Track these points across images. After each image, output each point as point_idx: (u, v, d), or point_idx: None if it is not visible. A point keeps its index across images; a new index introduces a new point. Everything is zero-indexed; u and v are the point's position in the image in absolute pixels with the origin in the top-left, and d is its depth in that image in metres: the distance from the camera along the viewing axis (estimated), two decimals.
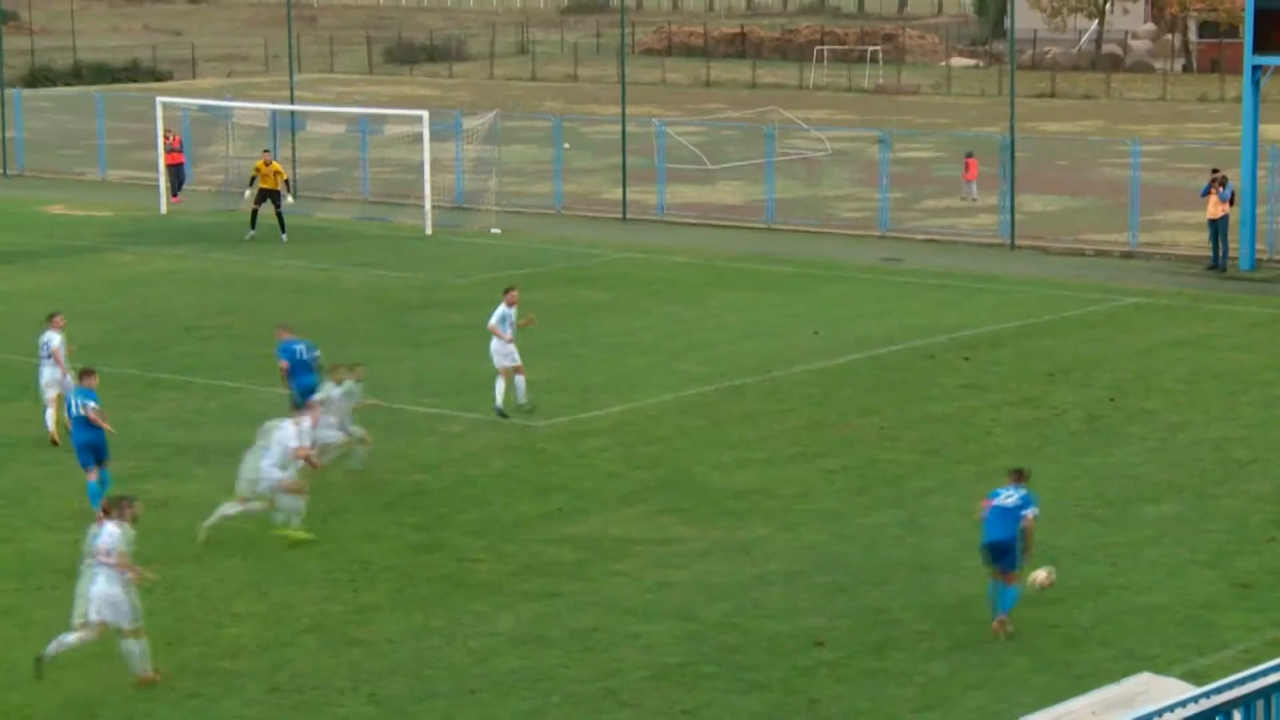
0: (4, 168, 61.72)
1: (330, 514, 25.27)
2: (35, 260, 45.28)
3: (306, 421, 24.68)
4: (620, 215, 52.28)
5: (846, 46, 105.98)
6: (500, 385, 30.39)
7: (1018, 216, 48.20)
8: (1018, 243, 47.35)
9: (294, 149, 57.19)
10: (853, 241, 48.70)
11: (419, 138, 50.70)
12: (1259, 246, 44.72)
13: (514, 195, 54.85)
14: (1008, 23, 64.71)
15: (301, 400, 26.96)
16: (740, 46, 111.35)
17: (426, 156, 49.76)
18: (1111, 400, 31.43)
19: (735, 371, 33.74)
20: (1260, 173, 45.26)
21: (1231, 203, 43.84)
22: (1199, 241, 45.75)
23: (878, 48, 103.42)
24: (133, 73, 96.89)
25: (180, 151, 55.93)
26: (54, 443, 28.49)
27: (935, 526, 24.95)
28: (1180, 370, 33.80)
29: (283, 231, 48.10)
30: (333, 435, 26.52)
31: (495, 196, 52.06)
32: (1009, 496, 21.00)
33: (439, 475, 27.19)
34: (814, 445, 28.98)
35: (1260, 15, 43.19)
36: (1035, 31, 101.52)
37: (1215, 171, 44.49)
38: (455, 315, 38.71)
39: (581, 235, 49.30)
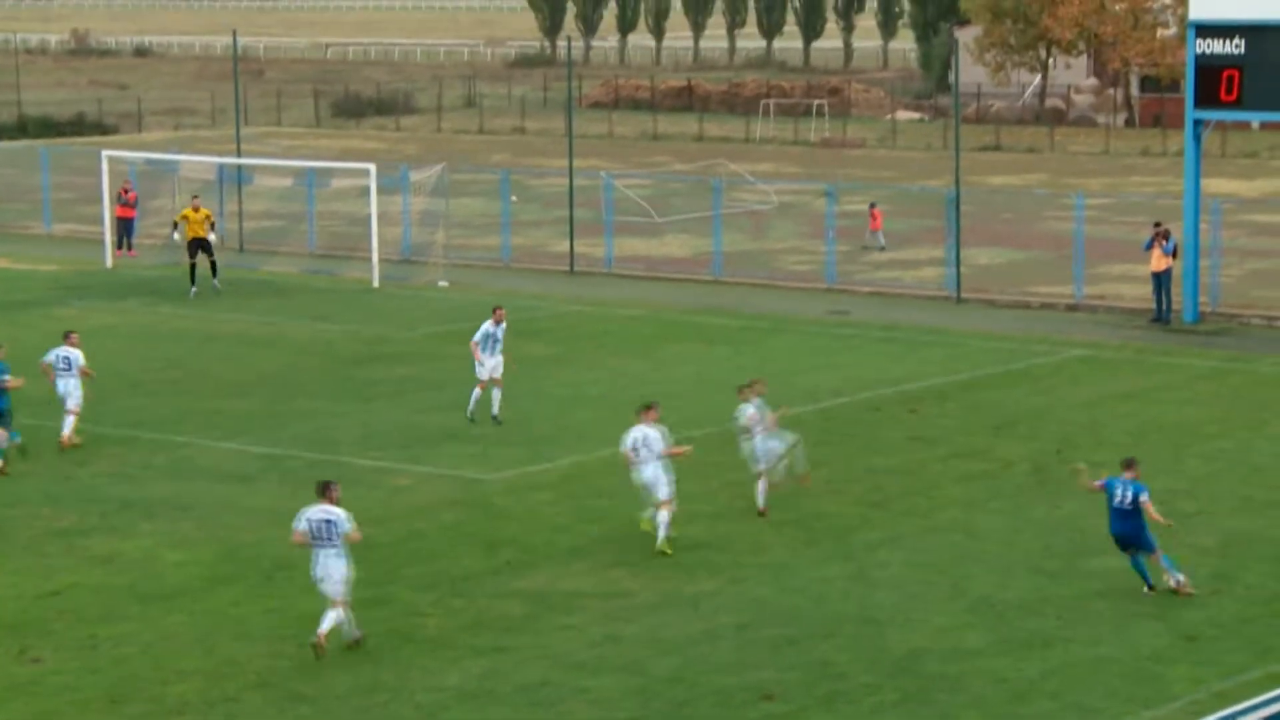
0: None
1: (275, 569, 25.15)
2: None
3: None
4: (568, 268, 52.33)
5: (792, 100, 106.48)
6: (476, 393, 32.71)
7: (964, 269, 48.42)
8: (964, 295, 47.57)
9: (240, 202, 57.07)
10: (800, 294, 48.84)
11: (366, 191, 50.67)
12: (1202, 299, 45.01)
13: (462, 248, 54.85)
14: (952, 77, 65.13)
15: None
16: (687, 100, 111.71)
17: (374, 210, 49.74)
18: (1058, 453, 31.54)
19: (683, 424, 33.66)
20: (1202, 226, 45.60)
21: (1175, 256, 44.15)
22: (1143, 294, 46.03)
23: (823, 101, 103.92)
24: (78, 126, 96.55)
25: (134, 206, 55.79)
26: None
27: (882, 579, 24.98)
28: (1126, 423, 33.96)
29: (214, 277, 47.87)
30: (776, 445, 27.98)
31: (443, 249, 52.04)
32: (1124, 496, 23.70)
33: (387, 529, 27.08)
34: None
35: (1201, 70, 43.60)
36: (979, 85, 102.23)
37: (1158, 225, 44.79)
38: (402, 368, 38.64)
39: (529, 288, 49.32)
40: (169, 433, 33.05)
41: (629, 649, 22.38)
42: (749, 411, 28.00)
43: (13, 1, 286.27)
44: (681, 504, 28.41)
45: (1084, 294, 46.94)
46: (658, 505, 26.16)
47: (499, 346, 33.23)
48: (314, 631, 22.04)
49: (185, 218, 48.71)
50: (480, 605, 23.95)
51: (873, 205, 56.31)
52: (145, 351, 40.49)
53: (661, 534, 26.12)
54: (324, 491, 22.50)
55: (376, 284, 49.46)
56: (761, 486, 28.08)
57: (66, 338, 33.07)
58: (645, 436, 26.10)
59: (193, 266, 47.85)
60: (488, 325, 32.95)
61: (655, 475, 26.07)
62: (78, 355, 32.42)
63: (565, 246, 53.18)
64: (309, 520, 22.34)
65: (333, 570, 22.19)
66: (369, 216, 50.13)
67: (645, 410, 26.52)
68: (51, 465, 30.77)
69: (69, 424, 32.10)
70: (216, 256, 48.40)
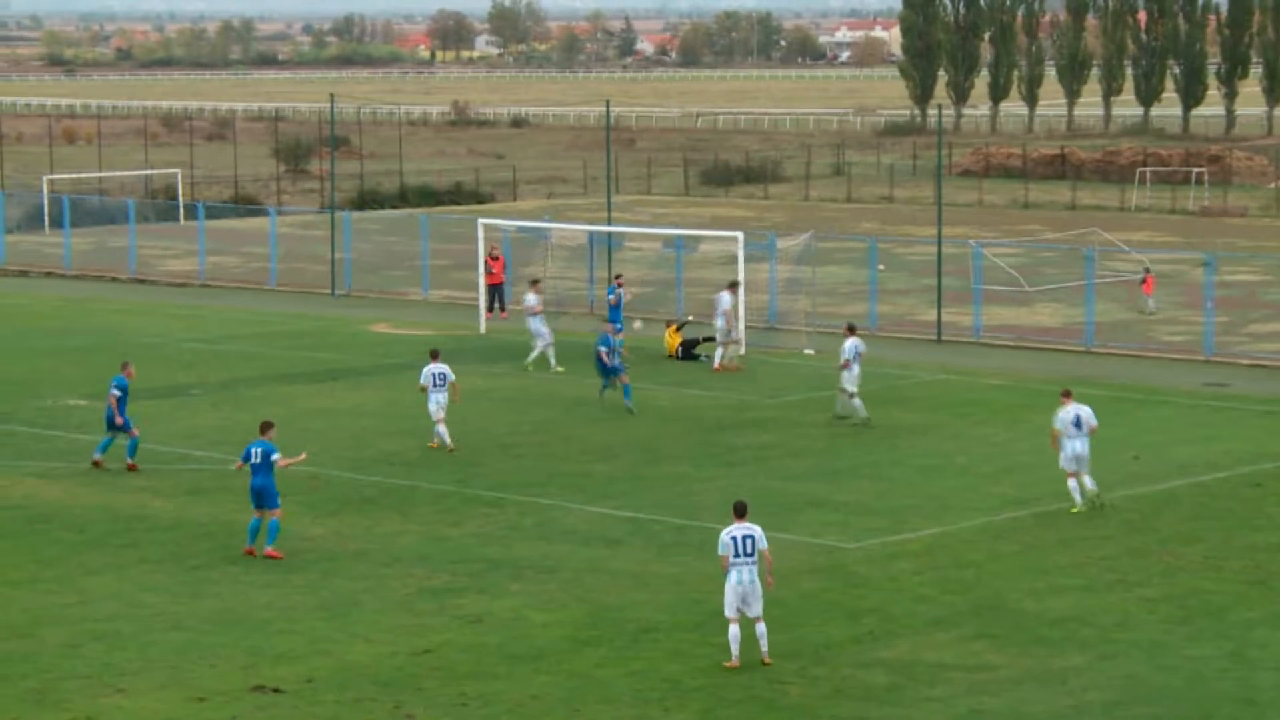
0: (332, 288, 63.62)
1: (641, 632, 25.30)
2: (358, 378, 46.46)
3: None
4: (935, 337, 51.87)
5: (1170, 168, 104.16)
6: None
7: None
8: None
9: (610, 267, 57.95)
10: (1175, 365, 47.61)
11: (734, 258, 51.00)
12: None
13: (827, 315, 54.81)
14: None
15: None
16: (1060, 168, 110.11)
17: (741, 276, 50.00)
18: None
19: (1051, 496, 33.07)
20: None
21: None
22: None
23: (1203, 169, 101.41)
24: (455, 195, 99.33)
25: (501, 271, 57.07)
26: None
27: (1262, 660, 24.05)
28: None
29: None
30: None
31: (807, 316, 52.04)
32: None
33: None
34: (1133, 573, 28.23)
35: None
36: None
37: None
38: (765, 435, 38.67)
39: (895, 356, 49.00)
40: (536, 495, 33.59)
41: None
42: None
43: (398, 75, 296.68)
44: (1047, 576, 27.87)
45: None
46: None
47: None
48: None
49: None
50: (842, 674, 23.74)
51: (1147, 270, 56.71)
52: (515, 415, 41.28)
53: None
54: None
55: (743, 350, 49.68)
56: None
57: (434, 356, 37.80)
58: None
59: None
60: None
61: None
62: (448, 371, 37.33)
63: (932, 315, 52.76)
64: (733, 537, 24.05)
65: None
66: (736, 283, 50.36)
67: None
68: (426, 525, 31.51)
69: (442, 432, 37.03)
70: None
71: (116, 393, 35.32)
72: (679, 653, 24.56)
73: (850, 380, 39.39)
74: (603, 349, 41.57)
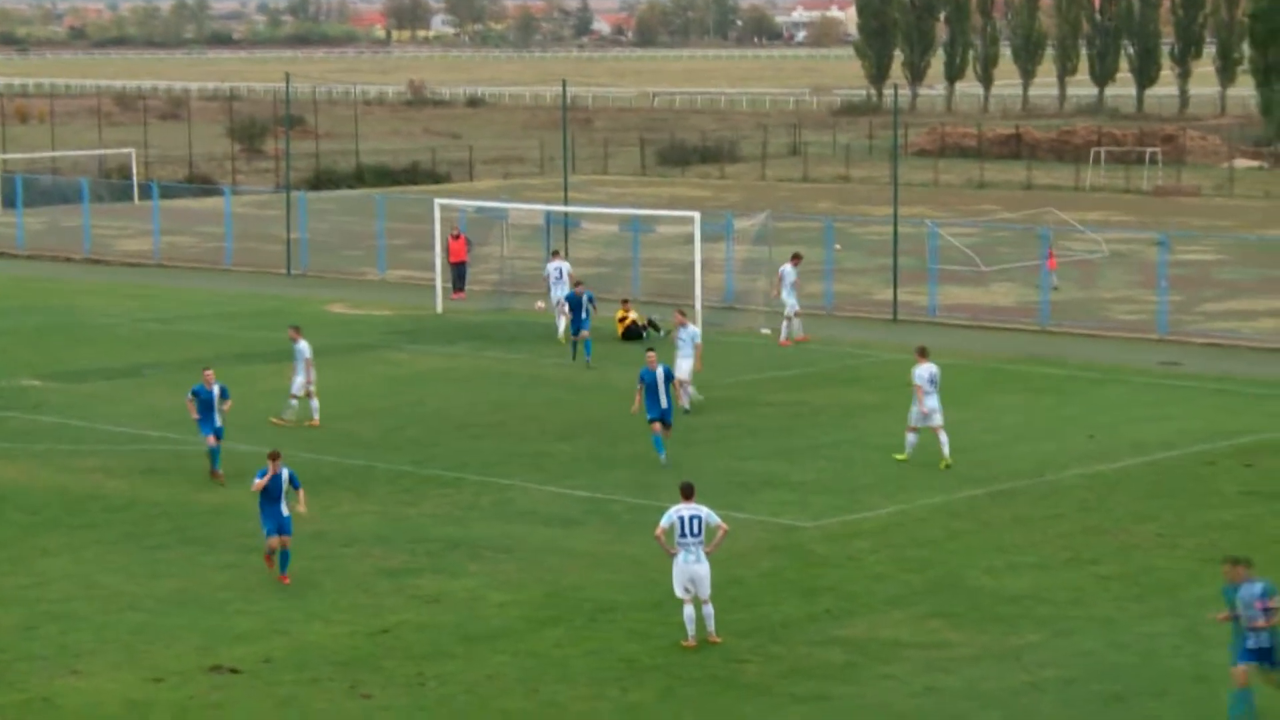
0: (288, 268, 63.40)
1: (599, 612, 25.34)
2: (315, 358, 46.24)
3: None
4: (891, 316, 51.99)
5: (1124, 148, 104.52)
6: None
7: None
8: None
9: (567, 248, 57.90)
10: (1130, 344, 47.82)
11: (690, 238, 51.01)
12: None
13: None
14: None
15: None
16: (1015, 147, 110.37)
17: (698, 256, 50.01)
18: None
19: (1007, 475, 33.22)
20: None
21: None
22: None
23: (1157, 149, 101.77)
24: (412, 175, 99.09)
25: (463, 250, 57.02)
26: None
27: (1216, 637, 24.14)
28: None
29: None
30: None
31: (765, 297, 52.11)
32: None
33: None
34: (1088, 551, 28.38)
35: None
36: None
37: None
38: (722, 415, 38.72)
39: (851, 335, 49.10)
40: (495, 475, 33.58)
41: (950, 701, 22.04)
42: None
43: (354, 54, 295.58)
44: (1004, 555, 28.01)
45: None
46: None
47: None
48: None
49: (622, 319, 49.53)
50: (800, 652, 23.82)
51: (1050, 248, 56.87)
52: (473, 395, 41.25)
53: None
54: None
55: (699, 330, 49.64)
56: None
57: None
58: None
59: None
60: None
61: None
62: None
63: (888, 294, 52.88)
64: (680, 517, 24.05)
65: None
66: (693, 263, 50.41)
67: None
68: (384, 505, 31.49)
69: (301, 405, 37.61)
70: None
71: (191, 397, 33.23)
72: (637, 632, 24.60)
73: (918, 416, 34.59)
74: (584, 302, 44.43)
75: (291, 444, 35.44)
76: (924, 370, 34.05)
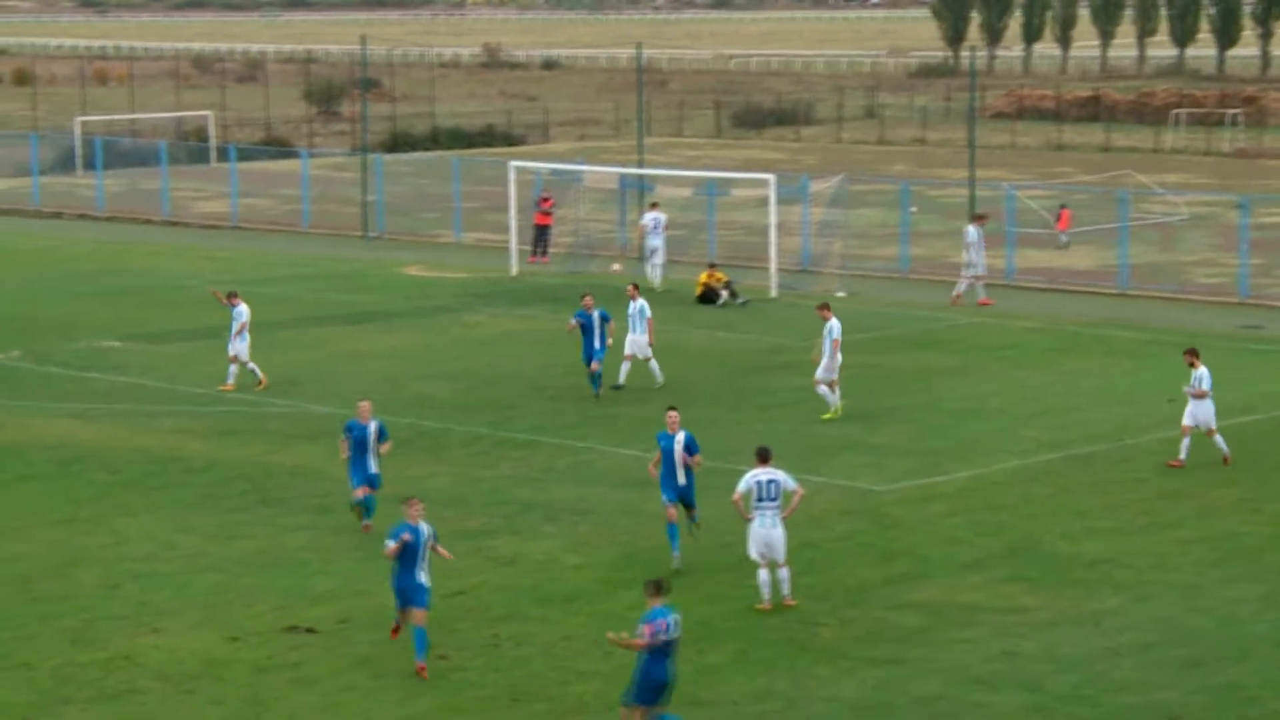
0: (364, 230, 63.60)
1: (674, 575, 25.35)
2: (391, 320, 46.47)
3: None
4: None
5: (1205, 110, 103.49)
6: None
7: None
8: None
9: (641, 211, 57.79)
10: (1210, 308, 47.41)
11: (766, 201, 50.83)
12: None
13: (860, 258, 54.65)
14: None
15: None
16: (1093, 110, 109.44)
17: (773, 219, 49.84)
18: None
19: (1085, 439, 33.02)
20: None
21: None
22: None
23: (1238, 111, 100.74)
24: (488, 137, 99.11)
25: (550, 213, 57.21)
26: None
27: None
28: None
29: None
30: None
31: (840, 259, 51.89)
32: None
33: None
34: (1167, 515, 28.19)
35: None
36: None
37: None
38: (799, 378, 38.59)
39: (928, 299, 48.86)
40: (571, 438, 33.62)
41: (1027, 665, 21.96)
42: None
43: (429, 16, 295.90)
44: (1082, 519, 27.85)
45: None
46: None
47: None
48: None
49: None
50: (875, 616, 23.77)
51: (1062, 206, 58.16)
52: (548, 357, 41.28)
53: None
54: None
55: (774, 293, 49.58)
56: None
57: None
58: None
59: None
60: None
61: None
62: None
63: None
64: (757, 481, 24.04)
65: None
66: (768, 226, 50.28)
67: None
68: (460, 467, 31.57)
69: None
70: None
71: (345, 435, 27.91)
72: (712, 595, 24.61)
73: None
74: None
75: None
76: (836, 324, 34.92)
